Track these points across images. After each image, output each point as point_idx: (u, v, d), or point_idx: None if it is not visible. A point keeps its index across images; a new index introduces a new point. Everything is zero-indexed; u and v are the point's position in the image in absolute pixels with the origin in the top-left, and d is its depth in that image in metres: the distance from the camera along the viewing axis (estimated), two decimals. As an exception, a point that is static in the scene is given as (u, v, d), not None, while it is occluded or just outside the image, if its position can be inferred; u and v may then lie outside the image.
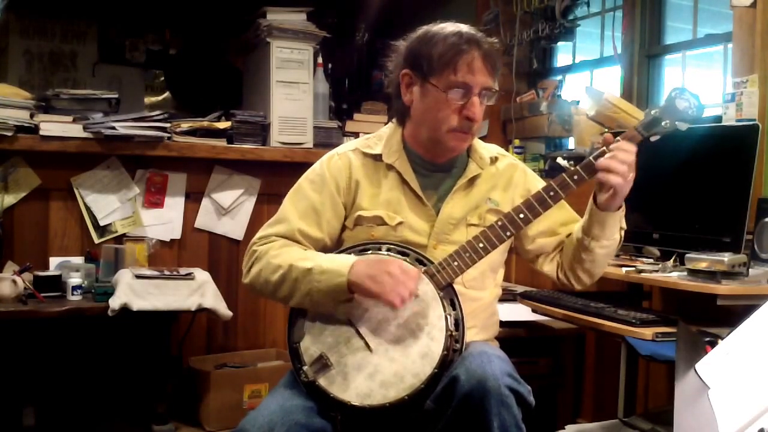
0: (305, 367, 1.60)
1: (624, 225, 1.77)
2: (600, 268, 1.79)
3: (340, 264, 1.59)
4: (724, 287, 1.87)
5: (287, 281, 1.63)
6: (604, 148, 1.65)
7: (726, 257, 1.90)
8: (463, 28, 1.69)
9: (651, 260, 2.30)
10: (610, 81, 3.36)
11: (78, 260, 2.91)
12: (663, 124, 1.66)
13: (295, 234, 1.71)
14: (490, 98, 1.69)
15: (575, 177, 1.65)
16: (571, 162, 1.68)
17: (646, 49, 3.11)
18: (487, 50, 1.66)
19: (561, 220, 1.84)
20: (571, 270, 1.81)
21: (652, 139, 1.67)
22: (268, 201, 3.22)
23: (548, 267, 1.86)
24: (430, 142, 1.72)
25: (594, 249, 1.72)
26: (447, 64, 1.64)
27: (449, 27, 1.69)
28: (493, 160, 1.81)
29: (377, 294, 1.55)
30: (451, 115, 1.66)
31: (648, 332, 1.87)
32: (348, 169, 1.76)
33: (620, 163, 1.60)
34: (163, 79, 4.88)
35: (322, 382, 1.58)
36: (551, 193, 1.66)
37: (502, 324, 1.95)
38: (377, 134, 1.83)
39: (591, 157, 1.66)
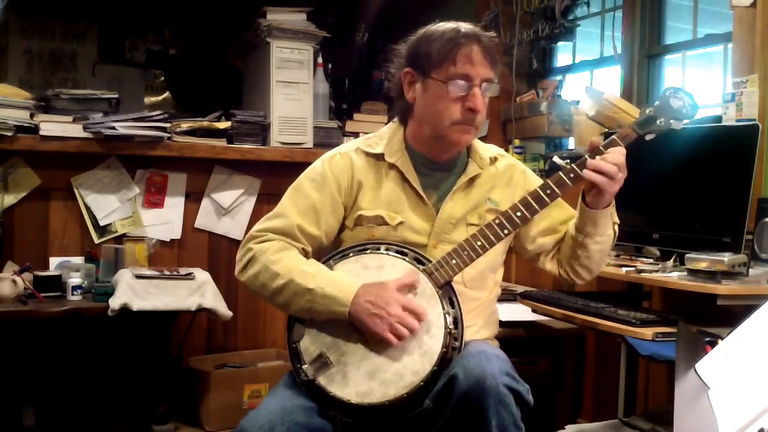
0: (305, 366, 1.60)
1: (616, 220, 1.78)
2: (597, 263, 1.80)
3: (343, 292, 1.58)
4: (724, 287, 1.87)
5: (285, 292, 1.63)
6: (600, 147, 1.66)
7: (726, 257, 1.90)
8: (462, 24, 1.70)
9: (651, 260, 2.30)
10: (610, 81, 3.36)
11: (78, 260, 2.91)
12: (658, 122, 1.67)
13: (294, 230, 1.70)
14: (492, 91, 1.69)
15: (571, 175, 1.66)
16: (568, 161, 1.69)
17: (646, 49, 3.11)
18: (485, 43, 1.67)
19: (560, 219, 1.85)
20: (570, 266, 1.82)
21: (648, 137, 1.68)
22: (268, 201, 3.21)
23: (550, 265, 1.87)
24: (433, 138, 1.72)
25: (588, 245, 1.74)
26: (446, 57, 1.65)
27: (448, 24, 1.70)
28: (493, 160, 1.82)
29: (375, 333, 1.55)
30: (453, 107, 1.66)
31: (648, 332, 1.87)
32: (350, 169, 1.76)
33: (609, 164, 1.61)
34: (163, 79, 4.88)
35: (321, 380, 1.58)
36: (548, 191, 1.67)
37: (502, 324, 1.95)
38: (378, 134, 1.83)
39: (587, 155, 1.67)
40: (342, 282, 1.61)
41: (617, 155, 1.63)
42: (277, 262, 1.65)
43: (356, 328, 1.60)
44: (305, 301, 1.60)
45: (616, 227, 1.79)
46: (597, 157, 1.64)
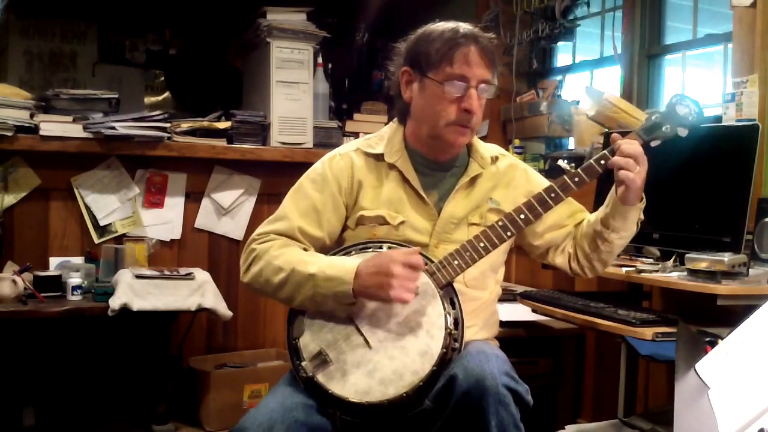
0: (304, 363, 1.60)
1: (642, 216, 1.78)
2: (614, 256, 1.83)
3: (344, 271, 1.58)
4: (724, 287, 1.87)
5: (289, 284, 1.63)
6: (605, 152, 1.67)
7: (726, 257, 1.90)
8: (461, 24, 1.70)
9: (651, 260, 2.30)
10: (610, 81, 3.36)
11: (78, 260, 2.91)
12: (664, 129, 1.69)
13: (295, 232, 1.71)
14: (489, 92, 1.70)
15: (576, 179, 1.67)
16: (572, 164, 1.70)
17: (646, 49, 3.11)
18: (484, 44, 1.67)
19: (567, 213, 1.86)
20: (587, 259, 1.82)
21: (653, 144, 1.70)
22: (268, 201, 3.22)
23: (560, 259, 1.87)
24: (430, 138, 1.73)
25: (613, 240, 1.75)
26: (444, 58, 1.65)
27: (447, 24, 1.71)
28: (494, 159, 1.82)
29: (386, 299, 1.55)
30: (449, 108, 1.66)
31: (648, 332, 1.87)
32: (350, 170, 1.76)
33: (625, 157, 1.63)
34: (163, 79, 4.88)
35: (320, 378, 1.58)
36: (552, 195, 1.67)
37: (502, 324, 1.95)
38: (378, 134, 1.83)
39: (592, 160, 1.68)
40: (342, 263, 1.62)
41: (631, 146, 1.64)
42: (278, 257, 1.66)
43: (357, 326, 1.60)
44: (308, 288, 1.60)
45: (640, 222, 1.79)
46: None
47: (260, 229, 1.74)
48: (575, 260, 1.85)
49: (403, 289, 1.53)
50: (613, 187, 1.71)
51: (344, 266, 1.59)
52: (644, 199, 1.73)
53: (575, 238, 1.85)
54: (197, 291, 2.69)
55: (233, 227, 3.21)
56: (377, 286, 1.54)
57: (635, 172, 1.63)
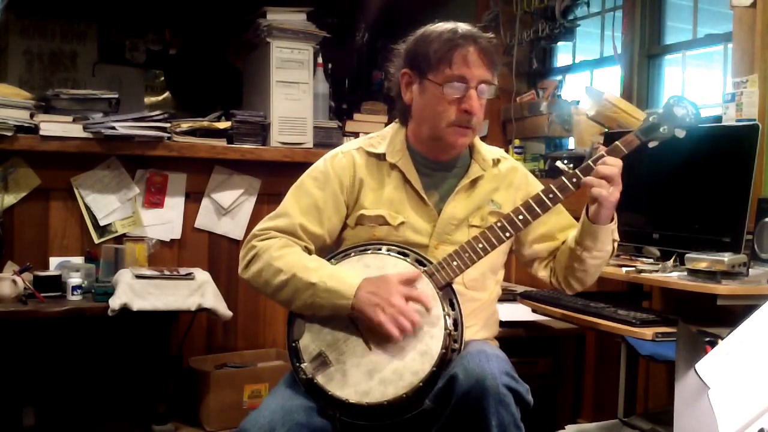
0: (304, 365, 1.60)
1: (617, 237, 1.78)
2: (591, 277, 1.81)
3: (346, 285, 1.58)
4: (724, 287, 1.87)
5: (288, 288, 1.63)
6: (603, 153, 1.68)
7: (726, 257, 1.90)
8: (460, 25, 1.70)
9: (651, 260, 2.30)
10: (610, 81, 3.36)
11: (78, 260, 2.91)
12: (661, 130, 1.69)
13: (297, 229, 1.71)
14: (489, 92, 1.70)
15: (574, 180, 1.67)
16: (570, 165, 1.70)
17: (646, 49, 3.11)
18: (483, 44, 1.67)
19: (558, 226, 1.85)
20: (563, 277, 1.82)
21: (651, 144, 1.70)
22: (268, 201, 3.21)
23: (543, 272, 1.88)
24: (431, 139, 1.73)
25: (586, 259, 1.74)
26: (442, 59, 1.65)
27: (446, 25, 1.71)
28: (495, 162, 1.82)
29: (377, 324, 1.55)
30: (449, 109, 1.66)
31: (648, 332, 1.87)
32: (352, 168, 1.76)
33: (600, 178, 1.63)
34: (163, 79, 4.88)
35: (320, 379, 1.58)
36: (550, 196, 1.67)
37: (502, 324, 1.95)
38: (380, 133, 1.83)
39: (590, 161, 1.68)
40: (344, 276, 1.61)
41: (607, 167, 1.64)
42: (279, 259, 1.65)
43: (357, 328, 1.60)
44: (308, 296, 1.60)
45: (616, 244, 1.79)
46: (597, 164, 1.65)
47: (261, 225, 1.74)
48: (555, 276, 1.85)
49: (395, 322, 1.53)
50: (585, 206, 1.71)
51: (346, 281, 1.59)
52: (615, 220, 1.72)
53: (557, 254, 1.85)
54: (197, 291, 2.69)
55: (233, 227, 3.21)
56: (371, 306, 1.55)
57: (608, 192, 1.63)
